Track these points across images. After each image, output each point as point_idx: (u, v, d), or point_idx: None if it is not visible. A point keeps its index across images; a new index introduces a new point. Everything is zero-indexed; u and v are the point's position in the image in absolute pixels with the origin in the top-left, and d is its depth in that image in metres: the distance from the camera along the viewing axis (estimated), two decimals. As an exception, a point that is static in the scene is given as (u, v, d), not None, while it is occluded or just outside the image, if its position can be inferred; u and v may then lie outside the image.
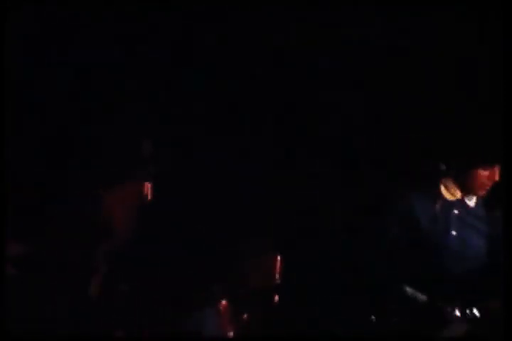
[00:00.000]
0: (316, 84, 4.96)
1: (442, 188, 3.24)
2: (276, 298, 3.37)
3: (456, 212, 3.20)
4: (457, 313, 3.12)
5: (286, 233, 4.08)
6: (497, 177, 3.08)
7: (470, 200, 3.20)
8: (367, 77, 5.06)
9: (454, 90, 4.72)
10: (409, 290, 3.19)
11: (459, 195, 3.25)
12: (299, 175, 4.47)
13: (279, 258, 3.43)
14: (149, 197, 3.07)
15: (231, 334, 3.30)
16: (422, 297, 3.17)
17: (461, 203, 3.21)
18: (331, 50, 4.99)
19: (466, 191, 3.21)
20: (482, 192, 3.14)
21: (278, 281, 3.40)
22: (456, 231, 3.14)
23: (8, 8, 4.07)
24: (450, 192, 3.24)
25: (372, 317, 3.16)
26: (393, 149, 4.20)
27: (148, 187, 3.01)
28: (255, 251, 3.44)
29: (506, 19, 4.30)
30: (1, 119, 3.76)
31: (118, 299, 3.13)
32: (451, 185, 3.22)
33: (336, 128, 4.81)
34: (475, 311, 3.10)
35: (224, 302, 3.27)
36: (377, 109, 4.95)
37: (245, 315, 3.38)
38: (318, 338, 3.75)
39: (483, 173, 3.15)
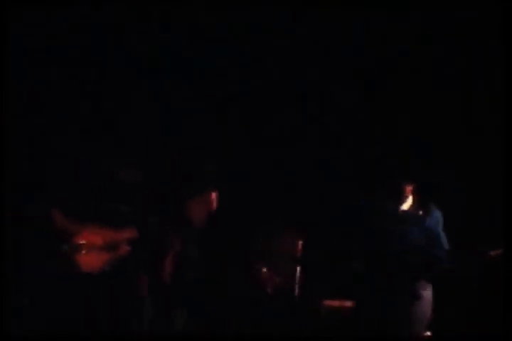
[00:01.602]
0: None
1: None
2: (298, 268, 5.49)
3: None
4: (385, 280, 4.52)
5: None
6: (409, 192, 4.56)
7: (404, 206, 4.67)
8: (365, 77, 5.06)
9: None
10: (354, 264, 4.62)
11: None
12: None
13: (300, 242, 5.52)
14: (216, 202, 4.60)
15: (268, 290, 5.45)
16: (361, 268, 4.58)
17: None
18: (330, 50, 4.99)
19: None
20: (403, 201, 4.62)
21: (299, 258, 5.54)
22: (394, 226, 4.65)
23: (8, 8, 4.07)
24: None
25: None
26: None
27: (215, 195, 4.58)
28: (284, 240, 5.59)
29: (506, 19, 4.30)
30: (2, 119, 3.77)
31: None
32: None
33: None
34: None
35: (264, 269, 5.40)
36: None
37: (277, 278, 5.47)
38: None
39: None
